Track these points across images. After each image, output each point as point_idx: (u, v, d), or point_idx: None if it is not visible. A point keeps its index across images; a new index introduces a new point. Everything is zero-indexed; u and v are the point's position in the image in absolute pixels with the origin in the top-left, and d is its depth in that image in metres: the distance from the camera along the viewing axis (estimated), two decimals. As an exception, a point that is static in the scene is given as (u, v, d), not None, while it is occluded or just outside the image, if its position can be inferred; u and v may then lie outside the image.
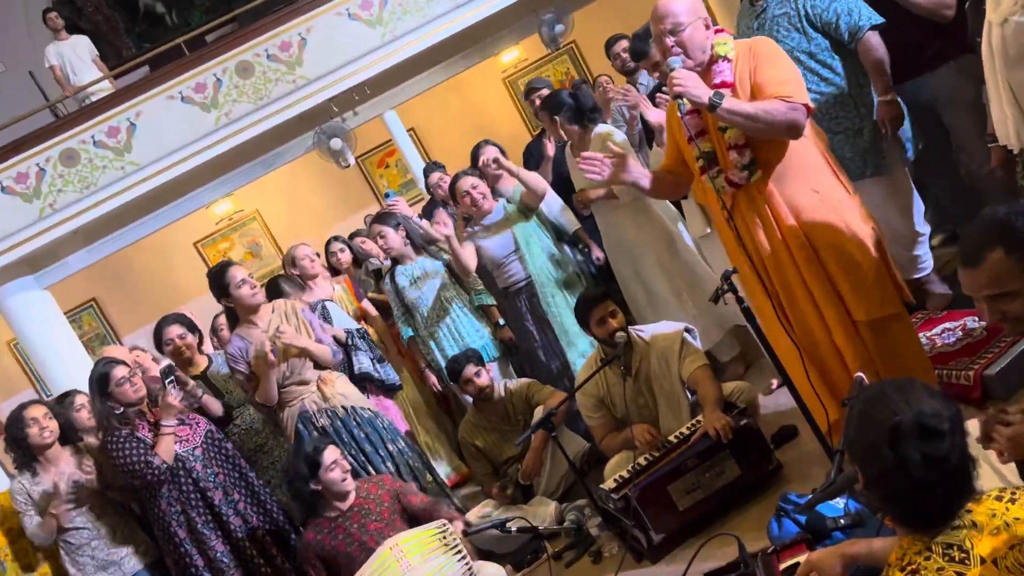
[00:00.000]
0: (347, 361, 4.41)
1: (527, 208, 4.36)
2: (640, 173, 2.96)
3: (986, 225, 1.77)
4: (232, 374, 4.06)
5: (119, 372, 3.69)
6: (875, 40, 3.35)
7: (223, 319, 4.48)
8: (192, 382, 4.10)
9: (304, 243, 5.10)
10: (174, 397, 3.70)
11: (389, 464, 3.97)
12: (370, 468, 3.92)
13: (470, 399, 4.27)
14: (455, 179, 4.41)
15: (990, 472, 2.16)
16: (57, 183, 6.88)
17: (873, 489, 1.60)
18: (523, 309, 4.35)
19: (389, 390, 4.59)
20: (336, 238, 5.35)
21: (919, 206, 3.67)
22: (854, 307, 2.71)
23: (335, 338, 4.25)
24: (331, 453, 3.43)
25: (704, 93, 2.59)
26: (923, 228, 3.68)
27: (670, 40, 2.69)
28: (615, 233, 4.24)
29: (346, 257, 5.23)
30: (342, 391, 4.00)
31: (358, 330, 4.56)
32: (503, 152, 4.62)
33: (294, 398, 3.96)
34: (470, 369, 4.10)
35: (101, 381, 3.69)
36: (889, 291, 2.73)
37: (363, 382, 4.40)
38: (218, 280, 3.93)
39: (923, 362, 2.83)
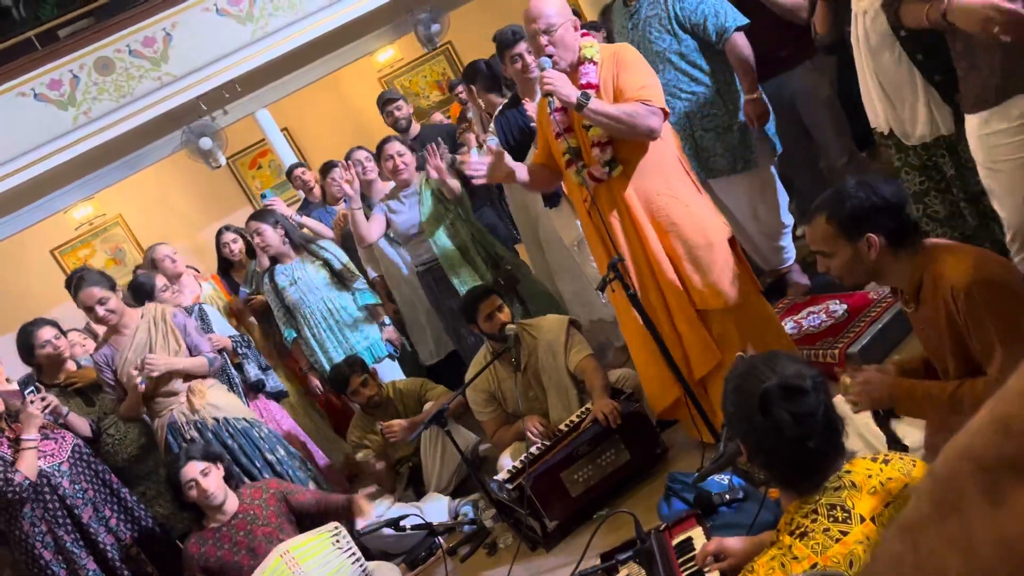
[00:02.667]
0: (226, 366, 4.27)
1: (442, 195, 4.32)
2: (518, 167, 3.06)
3: (830, 192, 2.01)
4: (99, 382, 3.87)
5: None
6: (741, 40, 3.53)
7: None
8: (55, 400, 3.86)
9: (162, 243, 4.88)
10: (36, 407, 3.47)
11: (267, 474, 3.86)
12: (246, 479, 3.79)
13: (357, 407, 4.21)
14: (383, 141, 4.37)
15: (857, 439, 2.33)
16: None
17: (755, 458, 1.69)
18: (436, 288, 4.32)
19: (277, 397, 4.47)
20: (227, 227, 5.13)
21: (784, 198, 3.89)
22: (705, 298, 2.92)
23: (222, 349, 4.11)
24: (190, 470, 3.28)
25: (572, 93, 2.77)
26: (788, 220, 3.90)
27: (544, 39, 2.80)
28: (521, 196, 4.24)
29: (239, 247, 5.01)
30: (213, 402, 3.85)
31: (243, 337, 4.42)
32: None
33: (163, 409, 3.81)
34: (355, 379, 4.05)
35: None
36: (740, 281, 2.94)
37: (253, 391, 4.28)
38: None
39: (783, 343, 3.01)
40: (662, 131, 2.85)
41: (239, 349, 4.35)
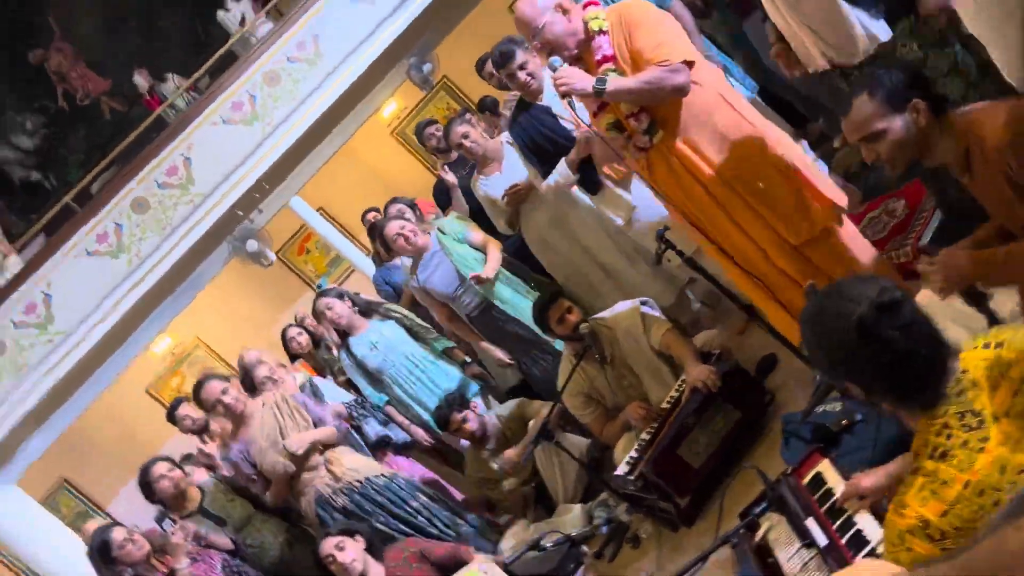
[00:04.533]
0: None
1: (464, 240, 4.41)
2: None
3: (862, 78, 2.02)
4: (236, 482, 4.06)
5: (118, 535, 3.64)
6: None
7: (198, 445, 4.46)
8: (192, 525, 4.05)
9: (246, 349, 5.04)
10: (179, 537, 3.65)
11: (422, 519, 3.97)
12: (403, 527, 3.91)
13: (465, 442, 4.29)
14: (381, 228, 4.48)
15: (956, 329, 2.28)
16: (-11, 372, 6.72)
17: (872, 393, 1.62)
18: (494, 326, 4.39)
19: (404, 448, 4.58)
20: (291, 324, 5.35)
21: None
22: (785, 233, 2.79)
23: (337, 413, 4.27)
24: (326, 546, 3.39)
25: (587, 84, 2.69)
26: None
27: (537, 45, 2.79)
28: (545, 228, 4.26)
29: (304, 340, 5.22)
30: (351, 466, 4.00)
31: (356, 400, 4.55)
32: (413, 206, 4.70)
33: (306, 486, 3.95)
34: (456, 416, 4.12)
35: (102, 550, 3.63)
36: (814, 209, 2.77)
37: (380, 448, 4.40)
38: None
39: (872, 260, 2.93)
40: (697, 74, 2.73)
41: (354, 412, 4.49)
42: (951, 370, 1.55)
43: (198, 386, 4.07)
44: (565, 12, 2.81)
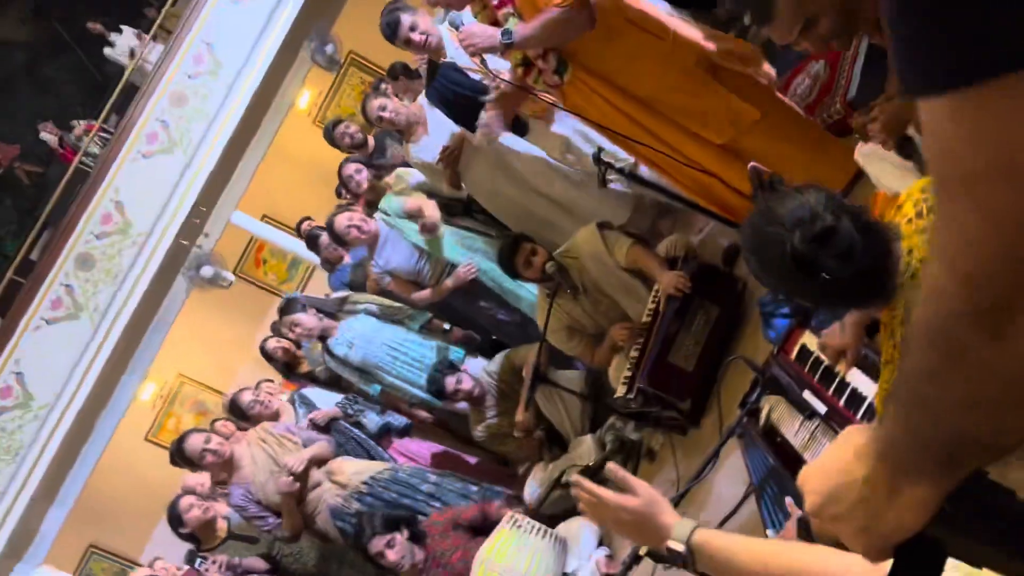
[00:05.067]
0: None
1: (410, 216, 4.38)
2: (493, 120, 3.07)
3: None
4: (248, 522, 4.07)
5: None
6: None
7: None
8: (223, 557, 4.08)
9: (232, 392, 4.98)
10: (213, 571, 3.68)
11: (435, 503, 4.00)
12: (420, 517, 3.95)
13: (464, 405, 4.32)
14: (330, 224, 4.44)
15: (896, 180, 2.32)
16: (-15, 466, 6.65)
17: (827, 307, 1.63)
18: (461, 292, 4.39)
19: (407, 431, 4.62)
20: (267, 338, 5.30)
21: None
22: (710, 135, 2.80)
23: (332, 418, 4.28)
24: (376, 545, 3.43)
25: (494, 39, 2.68)
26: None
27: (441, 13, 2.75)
28: (489, 178, 4.25)
29: (284, 345, 5.14)
30: (354, 471, 4.02)
31: (348, 397, 4.56)
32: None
33: (316, 505, 3.97)
34: (450, 381, 4.13)
35: None
36: (733, 101, 2.78)
37: (384, 436, 4.43)
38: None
39: (803, 129, 2.94)
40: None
41: (349, 410, 4.50)
42: (895, 254, 1.52)
43: (179, 444, 4.02)
44: None
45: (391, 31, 3.69)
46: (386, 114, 4.31)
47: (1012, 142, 0.50)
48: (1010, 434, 0.61)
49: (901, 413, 0.68)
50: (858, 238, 1.49)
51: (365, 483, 3.98)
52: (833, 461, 0.84)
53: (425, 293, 4.44)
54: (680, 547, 1.19)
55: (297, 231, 6.06)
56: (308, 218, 5.95)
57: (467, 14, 3.51)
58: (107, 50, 8.76)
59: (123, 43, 8.68)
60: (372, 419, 4.46)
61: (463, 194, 4.53)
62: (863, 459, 0.77)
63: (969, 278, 0.55)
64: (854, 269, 1.49)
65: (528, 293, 4.23)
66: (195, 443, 3.93)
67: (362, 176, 5.07)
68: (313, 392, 4.67)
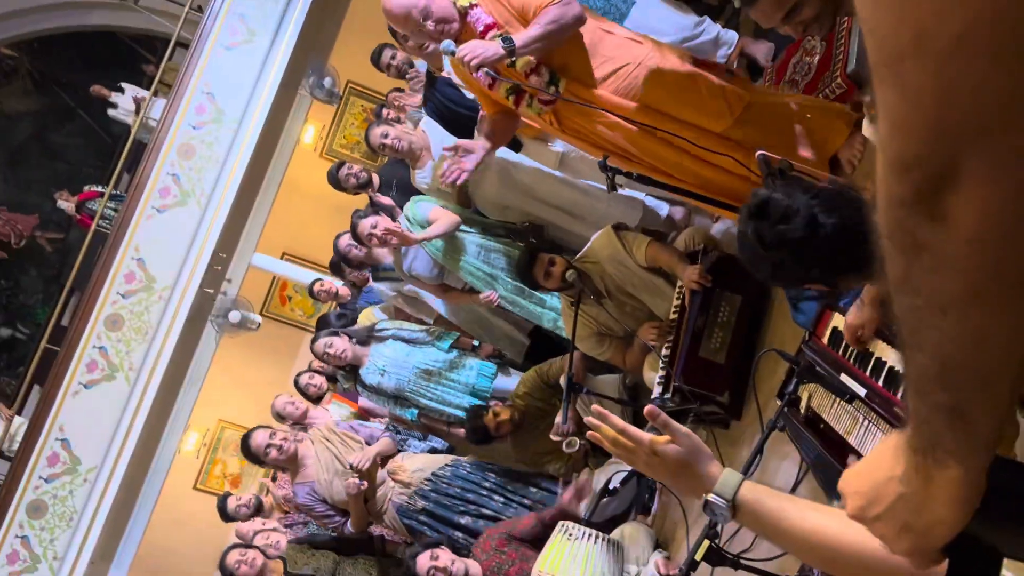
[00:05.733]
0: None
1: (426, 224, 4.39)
2: (481, 144, 3.06)
3: None
4: (313, 539, 4.12)
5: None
6: None
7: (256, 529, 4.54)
8: None
9: (278, 395, 5.16)
10: None
11: (496, 497, 4.01)
12: (485, 511, 3.96)
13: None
14: (353, 227, 4.47)
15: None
16: (42, 535, 6.74)
17: (834, 280, 1.63)
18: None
19: (450, 453, 4.65)
20: (300, 373, 5.37)
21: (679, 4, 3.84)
22: (710, 125, 2.80)
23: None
24: (423, 563, 3.43)
25: (496, 50, 2.69)
26: (688, 16, 3.83)
27: (430, 26, 2.77)
28: (497, 194, 4.25)
29: (320, 381, 5.26)
30: (415, 468, 4.03)
31: (388, 426, 4.59)
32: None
33: (382, 503, 4.00)
34: (491, 421, 4.04)
35: None
36: (727, 91, 2.79)
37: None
38: (251, 459, 3.99)
39: (797, 110, 2.92)
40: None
41: (394, 438, 4.52)
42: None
43: (245, 440, 4.07)
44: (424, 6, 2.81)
45: (378, 57, 3.72)
46: (389, 141, 4.33)
47: (924, 15, 0.49)
48: (992, 350, 0.58)
49: (916, 394, 0.66)
50: (807, 202, 1.54)
51: (428, 480, 3.99)
52: (871, 462, 0.83)
53: (454, 295, 4.45)
54: (721, 502, 1.14)
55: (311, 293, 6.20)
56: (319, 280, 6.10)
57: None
58: (111, 111, 8.88)
59: (125, 102, 8.80)
60: (416, 445, 4.48)
61: (471, 211, 4.54)
62: (897, 454, 0.76)
63: (898, 162, 0.54)
64: (811, 224, 1.52)
65: (548, 311, 4.25)
66: (260, 439, 3.98)
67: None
68: (356, 425, 4.71)
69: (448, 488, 3.98)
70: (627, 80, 2.78)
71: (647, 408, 1.27)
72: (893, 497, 0.76)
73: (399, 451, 4.47)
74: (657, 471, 1.27)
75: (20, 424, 7.73)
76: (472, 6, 2.79)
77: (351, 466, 3.85)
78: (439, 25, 2.77)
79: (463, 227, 4.34)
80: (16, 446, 7.37)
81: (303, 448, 4.04)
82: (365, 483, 3.85)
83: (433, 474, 4.01)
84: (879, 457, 0.82)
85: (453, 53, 2.73)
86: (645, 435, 1.27)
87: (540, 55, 2.77)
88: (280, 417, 5.05)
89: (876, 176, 0.57)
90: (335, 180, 5.25)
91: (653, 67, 2.75)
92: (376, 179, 5.23)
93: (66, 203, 9.15)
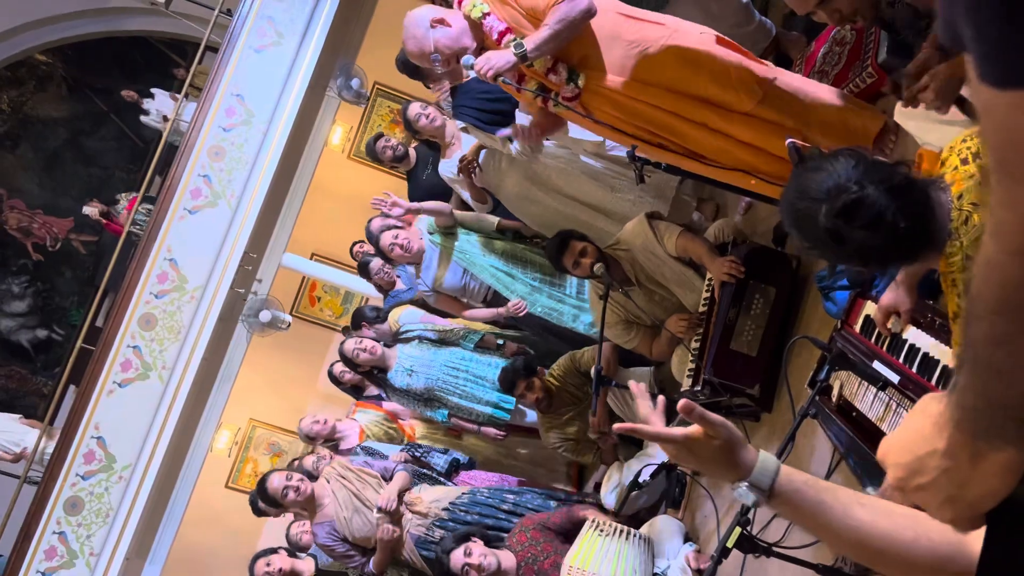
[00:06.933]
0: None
1: (448, 230, 4.43)
2: (536, 126, 3.12)
3: None
4: (337, 560, 4.13)
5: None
6: None
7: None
8: None
9: (303, 417, 5.13)
10: None
11: (515, 519, 4.01)
12: (504, 535, 3.95)
13: (534, 417, 4.32)
14: (374, 241, 4.53)
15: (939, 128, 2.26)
16: (79, 531, 6.86)
17: (881, 270, 1.63)
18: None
19: (471, 465, 4.64)
20: (334, 363, 5.36)
21: None
22: (738, 105, 2.78)
23: (399, 460, 4.34)
24: (456, 560, 3.42)
25: (508, 57, 2.71)
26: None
27: (444, 65, 2.83)
28: (522, 188, 4.27)
29: (350, 376, 5.24)
30: (432, 499, 4.03)
31: (409, 446, 4.60)
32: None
33: (401, 536, 4.01)
34: (520, 384, 4.12)
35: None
36: (754, 70, 2.78)
37: (453, 472, 4.47)
38: (269, 503, 4.02)
39: (824, 95, 2.90)
40: None
41: (416, 452, 4.53)
42: (945, 204, 1.51)
43: (262, 484, 4.09)
44: (442, 22, 2.84)
45: (413, 70, 3.77)
46: (427, 115, 4.37)
47: None
48: None
49: (975, 380, 0.68)
50: (888, 203, 1.48)
51: (445, 509, 3.99)
52: (912, 432, 0.83)
53: (480, 312, 4.48)
54: (757, 490, 1.12)
55: (351, 254, 6.18)
56: (359, 242, 6.00)
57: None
58: (143, 118, 9.03)
59: (156, 107, 8.93)
60: (438, 459, 4.49)
61: (483, 221, 4.56)
62: (942, 428, 0.76)
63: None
64: (891, 232, 1.48)
65: (568, 306, 4.27)
66: (277, 482, 3.98)
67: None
68: (377, 445, 4.70)
69: (466, 515, 3.97)
70: (653, 64, 2.75)
71: (681, 403, 1.25)
72: (937, 471, 0.78)
73: (420, 465, 4.48)
74: (690, 460, 1.26)
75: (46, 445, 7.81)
76: (486, 15, 2.81)
77: (379, 508, 3.85)
78: (451, 58, 2.82)
79: (489, 234, 4.40)
80: (44, 464, 7.48)
81: (319, 488, 4.05)
82: (398, 530, 3.85)
83: (451, 503, 4.01)
84: (918, 425, 0.82)
85: (471, 67, 2.77)
86: (678, 432, 1.25)
87: (556, 53, 2.78)
88: (309, 438, 5.03)
89: (983, 252, 0.64)
90: (372, 151, 5.26)
91: (670, 45, 2.74)
92: (413, 154, 5.21)
93: (92, 209, 9.33)
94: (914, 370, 2.05)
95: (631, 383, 1.36)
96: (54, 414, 8.28)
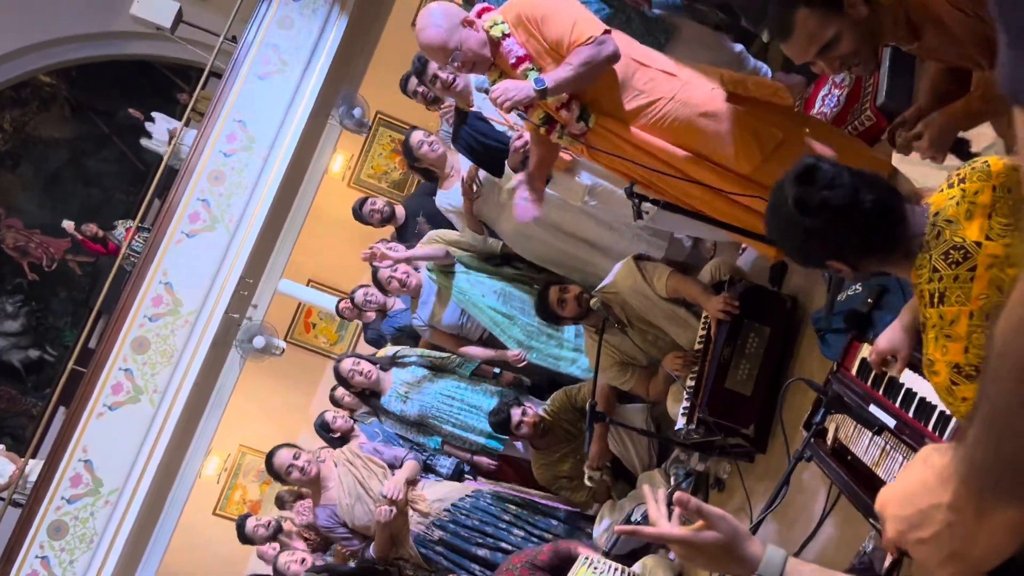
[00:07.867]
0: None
1: (446, 268, 4.43)
2: (529, 175, 3.09)
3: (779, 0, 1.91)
4: (333, 568, 4.12)
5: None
6: None
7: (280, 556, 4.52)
8: None
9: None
10: None
11: (516, 531, 3.97)
12: (503, 544, 3.92)
13: (524, 446, 4.29)
14: (376, 282, 4.50)
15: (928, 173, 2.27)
16: (62, 556, 6.75)
17: (849, 259, 1.66)
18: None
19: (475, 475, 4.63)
20: (324, 412, 5.31)
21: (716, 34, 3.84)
22: (736, 167, 2.78)
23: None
24: None
25: (528, 90, 2.67)
26: (737, 46, 3.83)
27: (457, 66, 2.77)
28: (521, 225, 4.26)
29: (344, 415, 5.19)
30: (435, 497, 4.01)
31: (416, 445, 4.56)
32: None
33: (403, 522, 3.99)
34: (516, 413, 4.07)
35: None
36: (759, 126, 2.77)
37: (458, 477, 4.43)
38: (275, 475, 4.03)
39: (839, 140, 2.90)
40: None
41: (419, 459, 4.50)
42: (919, 214, 1.59)
43: (270, 457, 4.08)
44: (471, 24, 2.78)
45: (420, 69, 3.78)
46: (429, 142, 4.39)
47: None
48: None
49: (989, 437, 0.66)
50: (850, 176, 1.61)
51: (447, 510, 3.97)
52: (913, 484, 0.81)
53: (476, 350, 4.48)
54: None
55: (336, 310, 6.22)
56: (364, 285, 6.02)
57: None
58: (144, 141, 9.07)
59: (157, 131, 8.97)
60: (444, 463, 4.45)
61: (488, 242, 4.56)
62: (946, 482, 0.74)
63: None
64: (852, 193, 1.58)
65: (567, 351, 4.26)
66: (283, 458, 3.98)
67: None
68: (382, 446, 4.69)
69: (466, 520, 3.95)
70: (658, 116, 2.77)
71: (676, 496, 1.26)
72: (940, 525, 0.75)
73: (426, 469, 4.45)
74: (696, 559, 1.25)
75: (33, 466, 7.76)
76: (506, 36, 2.78)
77: (383, 496, 3.83)
78: (469, 64, 2.78)
79: (484, 271, 4.40)
80: (29, 489, 7.40)
81: (325, 469, 4.05)
82: (395, 510, 3.83)
83: (452, 505, 3.99)
84: (921, 480, 0.80)
85: (487, 91, 2.74)
86: (677, 531, 1.25)
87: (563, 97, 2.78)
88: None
89: (1018, 313, 0.65)
90: (359, 215, 5.30)
91: (678, 101, 2.75)
92: (401, 212, 5.27)
93: (67, 223, 9.40)
94: (911, 415, 2.03)
95: (644, 488, 1.37)
96: (40, 441, 8.19)
